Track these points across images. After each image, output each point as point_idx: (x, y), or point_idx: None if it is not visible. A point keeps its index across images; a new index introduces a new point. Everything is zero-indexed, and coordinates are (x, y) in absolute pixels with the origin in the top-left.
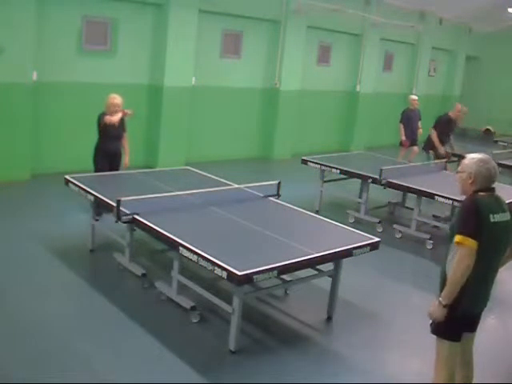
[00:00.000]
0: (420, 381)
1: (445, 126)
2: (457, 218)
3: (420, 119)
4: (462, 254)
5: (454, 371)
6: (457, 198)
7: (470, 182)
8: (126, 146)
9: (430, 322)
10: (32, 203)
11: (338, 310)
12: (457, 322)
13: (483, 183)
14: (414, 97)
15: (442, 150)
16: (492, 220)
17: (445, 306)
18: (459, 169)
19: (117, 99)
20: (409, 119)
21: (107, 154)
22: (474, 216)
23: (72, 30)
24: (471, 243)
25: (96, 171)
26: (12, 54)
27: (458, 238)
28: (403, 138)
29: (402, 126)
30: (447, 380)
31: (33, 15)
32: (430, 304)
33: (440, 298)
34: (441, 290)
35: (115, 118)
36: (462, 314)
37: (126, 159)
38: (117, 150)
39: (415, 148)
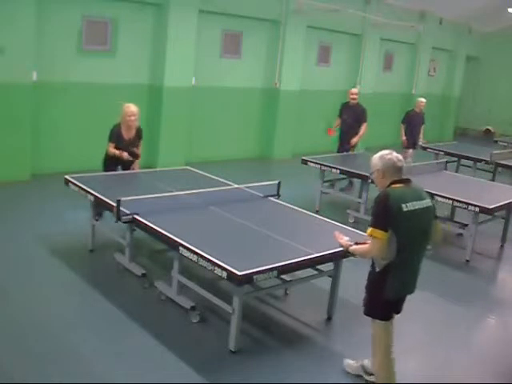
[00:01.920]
0: (420, 381)
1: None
2: (371, 210)
3: (423, 123)
4: (372, 244)
5: (391, 349)
6: (457, 198)
7: (381, 177)
8: (138, 152)
9: (362, 304)
10: (32, 203)
11: (338, 310)
12: (387, 304)
13: (392, 174)
14: (423, 99)
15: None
16: (405, 209)
17: (347, 251)
18: (370, 173)
19: (132, 107)
20: (410, 121)
21: (118, 161)
22: (384, 208)
23: (72, 30)
24: (380, 235)
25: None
26: (12, 54)
27: (369, 230)
28: (403, 137)
29: (402, 126)
30: (385, 357)
31: (33, 15)
32: (429, 303)
33: (351, 247)
34: (371, 265)
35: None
36: (391, 297)
37: (135, 164)
38: (128, 157)
39: (410, 151)
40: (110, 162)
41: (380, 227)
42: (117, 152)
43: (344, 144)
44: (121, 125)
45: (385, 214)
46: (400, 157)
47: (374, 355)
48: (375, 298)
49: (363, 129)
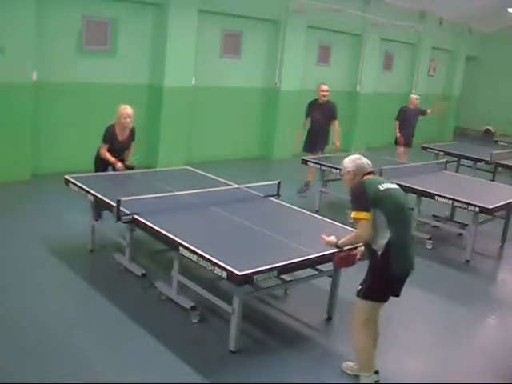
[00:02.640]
0: (420, 381)
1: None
2: (350, 199)
3: (416, 120)
4: (359, 227)
5: (377, 330)
6: (457, 198)
7: (352, 178)
8: (129, 152)
9: (358, 288)
10: (32, 203)
11: (338, 310)
12: (387, 285)
13: (361, 172)
14: (416, 96)
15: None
16: (381, 188)
17: (337, 247)
18: (341, 173)
19: (127, 109)
20: (405, 118)
21: (109, 163)
22: (362, 192)
23: (72, 30)
24: (364, 215)
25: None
26: (12, 54)
27: (353, 214)
28: (398, 134)
29: (397, 123)
30: (372, 339)
31: (33, 15)
32: (429, 304)
33: (339, 241)
34: (372, 254)
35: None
36: (398, 273)
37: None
38: (120, 158)
39: (402, 149)
40: (101, 163)
41: (362, 209)
42: (111, 159)
43: (317, 144)
44: (115, 125)
45: (364, 197)
46: (368, 161)
47: (356, 341)
48: (380, 280)
49: (338, 126)
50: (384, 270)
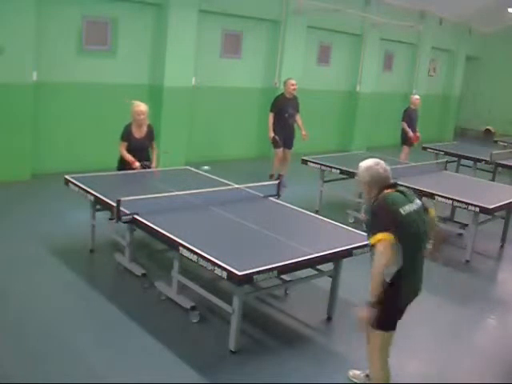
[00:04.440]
0: (420, 381)
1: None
2: (370, 217)
3: (417, 120)
4: (380, 248)
5: (387, 359)
6: (457, 198)
7: (369, 189)
8: (153, 155)
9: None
10: (32, 203)
11: (338, 310)
12: (396, 313)
13: (381, 184)
14: (417, 96)
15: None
16: (403, 213)
17: (373, 305)
18: (358, 183)
19: (141, 106)
20: (411, 118)
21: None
22: (386, 212)
23: (72, 30)
24: (387, 236)
25: None
26: (12, 54)
27: (375, 237)
28: (411, 134)
29: (405, 124)
30: (384, 368)
31: (33, 15)
32: (429, 304)
33: (370, 300)
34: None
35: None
36: (400, 306)
37: (152, 166)
38: (142, 159)
39: (407, 148)
40: (124, 163)
41: (385, 230)
42: (130, 159)
43: (291, 139)
44: (132, 124)
45: (387, 218)
46: (386, 167)
47: (373, 364)
48: (389, 310)
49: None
50: (391, 301)
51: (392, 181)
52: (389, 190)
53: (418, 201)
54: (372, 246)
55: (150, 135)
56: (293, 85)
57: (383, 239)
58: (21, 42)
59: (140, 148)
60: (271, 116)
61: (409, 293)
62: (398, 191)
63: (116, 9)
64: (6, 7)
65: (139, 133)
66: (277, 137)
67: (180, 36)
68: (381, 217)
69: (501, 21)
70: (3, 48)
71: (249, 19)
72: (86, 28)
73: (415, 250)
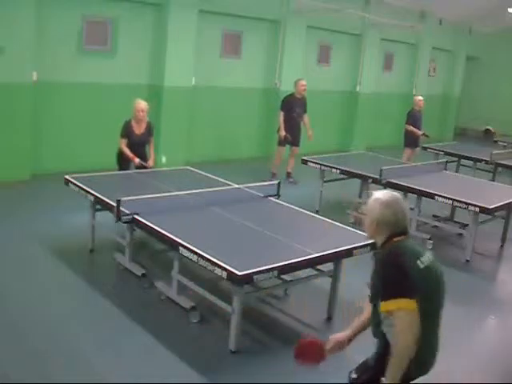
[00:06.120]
0: (420, 381)
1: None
2: (378, 277)
3: (422, 121)
4: (403, 323)
5: None
6: (457, 198)
7: (374, 227)
8: (150, 150)
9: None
10: (32, 203)
11: (338, 309)
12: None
13: (392, 229)
14: (420, 97)
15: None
16: (421, 266)
17: None
18: (365, 214)
19: (141, 104)
20: (415, 120)
21: (130, 160)
22: (402, 270)
23: (72, 30)
24: (410, 305)
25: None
26: (12, 53)
27: (389, 304)
28: (419, 133)
29: (410, 126)
30: None
31: (33, 15)
32: None
33: (388, 379)
34: (381, 346)
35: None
36: (418, 374)
37: (149, 162)
38: (140, 154)
39: (417, 149)
40: (123, 160)
41: (404, 295)
42: (130, 154)
43: (298, 136)
44: (132, 120)
45: (405, 276)
46: (406, 210)
47: None
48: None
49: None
50: (405, 379)
51: (403, 228)
52: (400, 238)
53: (429, 253)
54: (386, 313)
55: (150, 131)
56: (303, 85)
57: (404, 308)
58: (21, 42)
59: (139, 143)
60: (282, 114)
61: (428, 359)
62: (409, 239)
63: (116, 9)
64: (6, 7)
65: (139, 128)
66: (288, 135)
67: (180, 36)
68: (396, 274)
69: (501, 21)
70: (3, 48)
71: (249, 19)
72: (86, 28)
73: (435, 309)
